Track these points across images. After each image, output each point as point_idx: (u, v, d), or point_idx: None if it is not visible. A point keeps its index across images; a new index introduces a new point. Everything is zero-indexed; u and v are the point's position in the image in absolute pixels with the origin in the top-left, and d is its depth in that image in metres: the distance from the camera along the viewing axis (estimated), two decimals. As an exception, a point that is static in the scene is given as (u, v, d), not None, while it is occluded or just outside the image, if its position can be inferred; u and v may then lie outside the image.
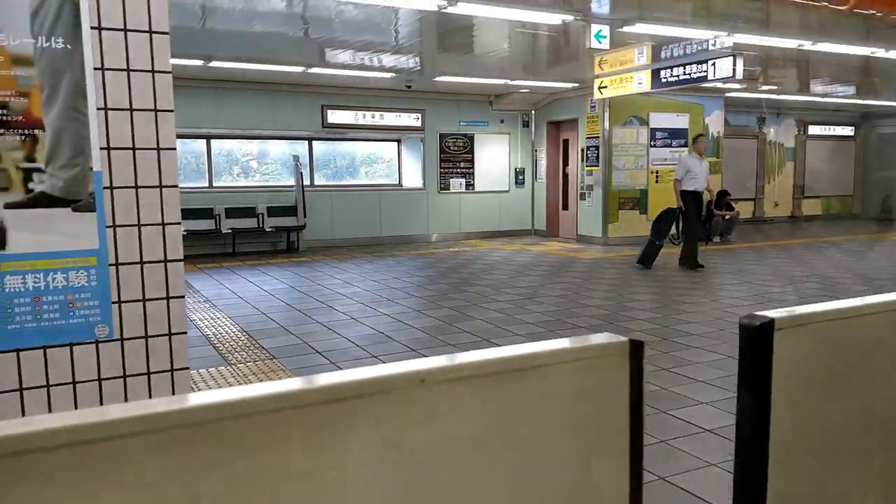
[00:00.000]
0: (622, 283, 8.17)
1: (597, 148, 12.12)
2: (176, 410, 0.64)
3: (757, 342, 1.08)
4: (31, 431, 0.57)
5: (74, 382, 2.04)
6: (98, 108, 1.95)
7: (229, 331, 5.90)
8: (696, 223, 9.29)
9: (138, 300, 2.10)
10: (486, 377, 0.83)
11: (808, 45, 8.31)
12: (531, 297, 7.34)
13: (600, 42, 6.91)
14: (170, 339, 2.17)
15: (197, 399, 0.66)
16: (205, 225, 10.83)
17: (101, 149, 1.98)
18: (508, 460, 0.86)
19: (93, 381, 2.07)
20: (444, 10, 6.29)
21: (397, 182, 13.31)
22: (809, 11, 6.67)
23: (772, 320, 1.09)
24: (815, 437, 1.19)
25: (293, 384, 0.71)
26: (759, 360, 1.08)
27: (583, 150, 12.52)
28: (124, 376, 2.12)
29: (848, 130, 17.58)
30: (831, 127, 17.27)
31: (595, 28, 6.82)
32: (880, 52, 8.88)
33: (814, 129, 16.98)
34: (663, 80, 9.14)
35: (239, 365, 4.85)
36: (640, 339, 0.96)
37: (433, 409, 0.79)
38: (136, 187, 2.04)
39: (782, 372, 1.10)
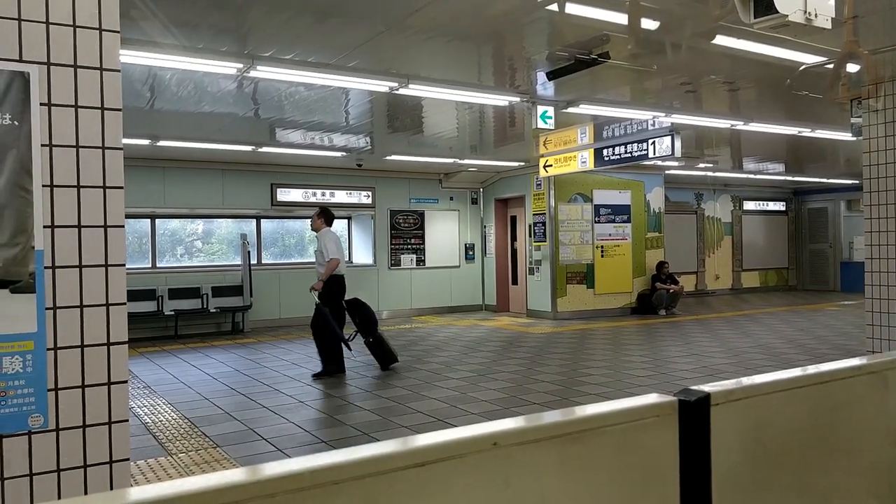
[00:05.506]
0: (573, 357, 8.17)
1: (543, 224, 12.36)
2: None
3: (694, 416, 1.07)
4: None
5: (3, 479, 1.88)
6: (44, 185, 1.88)
7: (170, 418, 5.62)
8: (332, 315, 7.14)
9: (77, 386, 1.97)
10: (553, 440, 0.92)
11: (740, 125, 8.77)
12: (484, 373, 7.26)
13: (546, 122, 7.13)
14: (110, 428, 2.03)
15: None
16: (146, 307, 10.48)
17: (45, 227, 1.89)
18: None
19: (24, 476, 1.91)
20: (396, 92, 6.42)
21: (347, 259, 13.23)
22: (744, 92, 7.06)
23: (707, 395, 1.07)
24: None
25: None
26: (697, 434, 1.06)
27: (530, 226, 12.75)
28: (58, 470, 1.96)
29: (780, 206, 18.44)
30: (765, 202, 18.09)
31: (541, 109, 7.05)
32: (806, 132, 9.42)
33: (748, 205, 17.74)
34: (606, 159, 9.45)
35: (180, 455, 4.60)
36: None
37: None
38: (81, 266, 1.95)
39: (720, 445, 1.10)
